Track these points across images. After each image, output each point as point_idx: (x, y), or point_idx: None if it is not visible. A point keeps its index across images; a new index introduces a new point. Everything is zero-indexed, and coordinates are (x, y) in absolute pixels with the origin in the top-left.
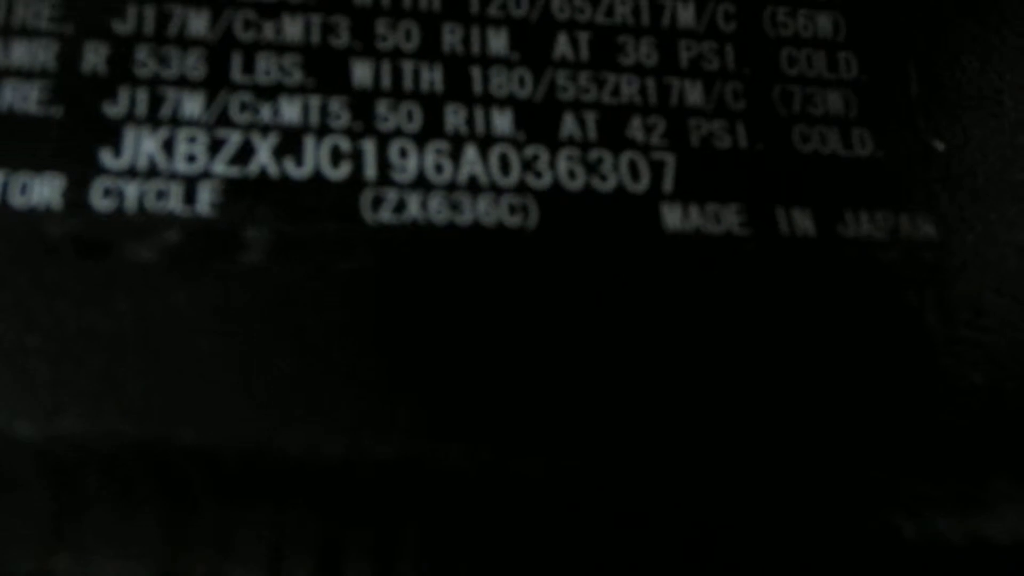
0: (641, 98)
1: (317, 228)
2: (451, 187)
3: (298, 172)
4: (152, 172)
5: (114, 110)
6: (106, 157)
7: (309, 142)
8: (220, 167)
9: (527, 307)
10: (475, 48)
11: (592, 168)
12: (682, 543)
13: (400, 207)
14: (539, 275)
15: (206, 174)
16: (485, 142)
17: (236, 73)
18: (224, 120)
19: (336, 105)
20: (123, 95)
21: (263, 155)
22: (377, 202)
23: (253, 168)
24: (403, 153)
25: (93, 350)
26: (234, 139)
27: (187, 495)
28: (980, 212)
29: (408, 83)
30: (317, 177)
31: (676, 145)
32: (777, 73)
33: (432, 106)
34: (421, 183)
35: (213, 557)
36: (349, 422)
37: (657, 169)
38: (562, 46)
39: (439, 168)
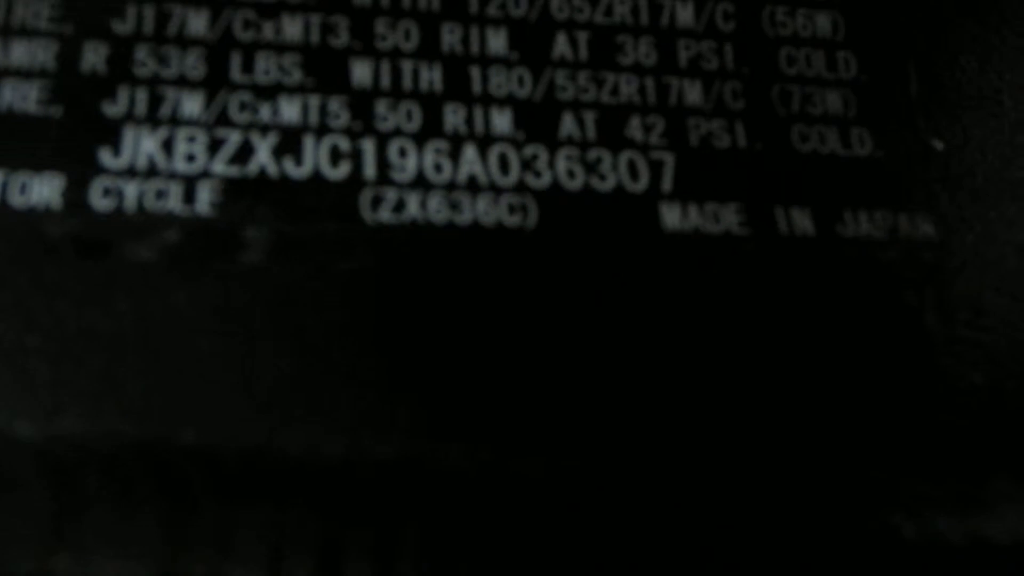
0: (640, 98)
1: (316, 228)
2: (450, 187)
3: (297, 172)
4: (152, 172)
5: (113, 110)
6: (105, 157)
7: (308, 142)
8: (219, 167)
9: (527, 307)
10: (474, 48)
11: (591, 168)
12: (682, 543)
13: (399, 207)
14: (538, 275)
15: (205, 174)
16: (484, 142)
17: (235, 73)
18: (223, 120)
19: (335, 105)
20: (122, 95)
21: (262, 155)
22: (376, 202)
23: (252, 168)
24: (402, 153)
25: (93, 350)
26: (233, 139)
27: (187, 495)
28: (979, 212)
29: (407, 83)
30: (316, 177)
31: (675, 145)
32: (776, 73)
33: (431, 106)
34: (420, 183)
35: (213, 557)
36: (349, 422)
37: (656, 169)
38: (561, 46)
39: (438, 168)
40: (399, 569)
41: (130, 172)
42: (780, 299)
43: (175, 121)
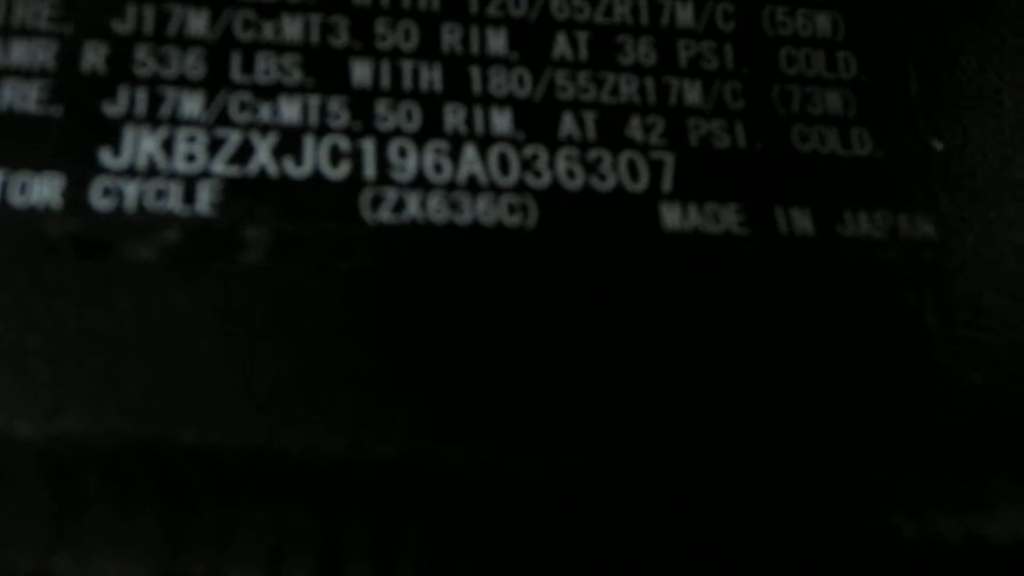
0: (640, 98)
1: (316, 228)
2: (450, 187)
3: (297, 172)
4: (151, 171)
5: (113, 110)
6: (105, 156)
7: (308, 142)
8: (219, 167)
9: (526, 307)
10: (474, 48)
11: (591, 168)
12: (682, 543)
13: (399, 207)
14: (538, 275)
15: (205, 173)
16: (484, 142)
17: (235, 73)
18: (223, 120)
19: (335, 105)
20: (122, 95)
21: (262, 155)
22: (376, 202)
23: (252, 168)
24: (402, 153)
25: (93, 350)
26: (233, 139)
27: (187, 495)
28: (979, 212)
29: (407, 83)
30: (316, 177)
31: (675, 145)
32: (776, 73)
33: (431, 106)
34: (420, 183)
35: (213, 557)
36: (349, 422)
37: (656, 169)
38: (561, 46)
39: (438, 168)
40: (399, 569)
41: (130, 172)
42: (780, 299)
43: (175, 121)
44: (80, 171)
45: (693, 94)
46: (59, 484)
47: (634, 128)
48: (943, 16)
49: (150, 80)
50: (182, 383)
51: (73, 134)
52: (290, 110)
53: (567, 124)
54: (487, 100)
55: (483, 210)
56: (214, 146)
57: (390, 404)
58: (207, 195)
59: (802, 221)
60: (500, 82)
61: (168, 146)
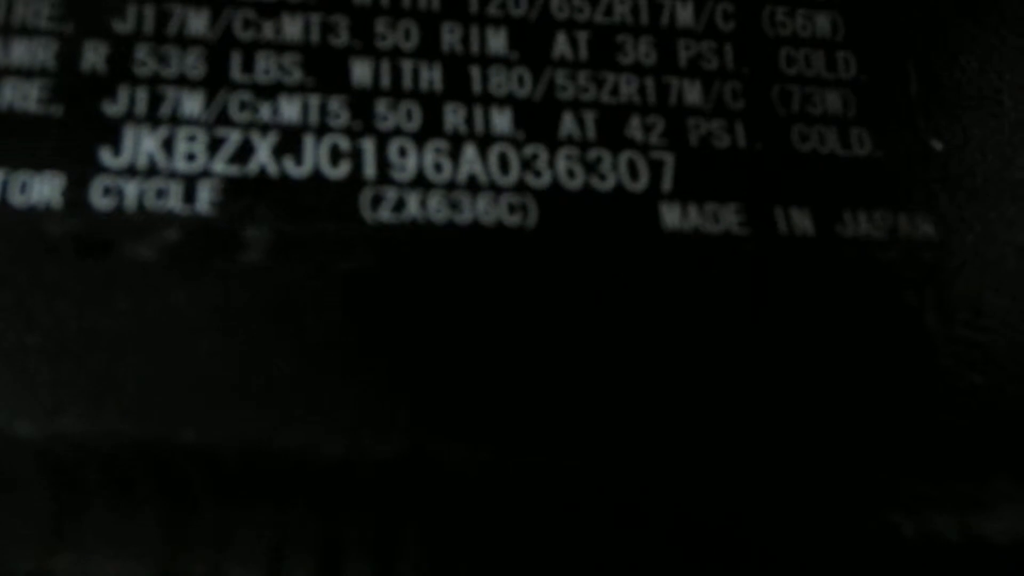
0: (640, 97)
1: (316, 227)
2: (450, 186)
3: (297, 171)
4: (152, 171)
5: (114, 109)
6: (106, 156)
7: (308, 141)
8: (220, 166)
9: (526, 306)
10: (474, 47)
11: (591, 167)
12: (682, 543)
13: (399, 206)
14: (538, 274)
15: (206, 173)
16: (484, 141)
17: (235, 72)
18: (223, 119)
19: (335, 104)
20: (123, 94)
21: (262, 154)
22: (376, 201)
23: (252, 167)
24: (402, 152)
25: (93, 349)
26: (233, 138)
27: (187, 495)
28: (979, 212)
29: (407, 82)
30: (316, 176)
31: (675, 144)
32: (776, 73)
33: (431, 105)
34: (420, 182)
35: (213, 557)
36: (349, 422)
37: (656, 168)
38: (561, 45)
39: (438, 167)
40: (399, 569)
41: (130, 171)
42: (780, 299)
43: (175, 120)
44: (80, 170)
45: (693, 94)
46: (59, 484)
47: (634, 128)
48: (943, 16)
49: (150, 79)
50: (182, 383)
51: (73, 133)
52: (290, 110)
53: (567, 124)
54: (487, 100)
55: (483, 210)
56: (214, 145)
57: (390, 404)
58: (207, 194)
59: (802, 221)
60: (500, 82)
61: (168, 145)
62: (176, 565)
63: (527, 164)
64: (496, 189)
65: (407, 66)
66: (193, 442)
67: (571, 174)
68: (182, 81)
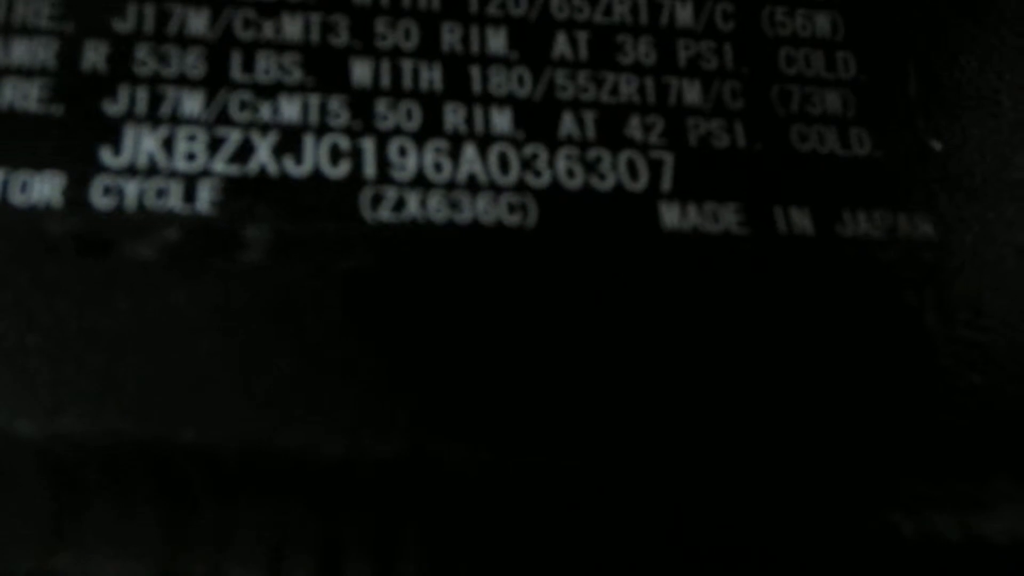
0: (639, 97)
1: (316, 227)
2: (450, 186)
3: (297, 171)
4: (152, 170)
5: (114, 108)
6: (106, 155)
7: (308, 141)
8: (220, 165)
9: (526, 306)
10: (474, 47)
11: (591, 167)
12: (682, 543)
13: (399, 206)
14: (538, 274)
15: (206, 172)
16: (484, 141)
17: (236, 72)
18: (224, 119)
19: (335, 104)
20: (123, 93)
21: (263, 153)
22: (376, 200)
23: (253, 166)
24: (402, 152)
25: (93, 348)
26: (234, 137)
27: (187, 495)
28: (978, 212)
29: (407, 82)
30: (316, 176)
31: (674, 144)
32: (775, 73)
33: (431, 105)
34: (420, 182)
35: (213, 556)
36: (349, 422)
37: (655, 168)
38: (561, 45)
39: (438, 167)
40: (399, 569)
41: (130, 171)
42: (779, 299)
43: (175, 120)
44: (81, 170)
45: (692, 94)
46: (59, 483)
47: (633, 128)
48: (942, 16)
49: (150, 79)
50: (182, 382)
51: (74, 133)
52: (290, 109)
53: (567, 123)
54: (487, 99)
55: (483, 209)
56: (214, 145)
57: (390, 404)
58: (207, 194)
59: (801, 221)
60: (500, 81)
61: (168, 145)
62: (176, 565)
63: (527, 164)
64: (496, 189)
65: (407, 66)
66: (193, 442)
67: (571, 174)
68: (182, 81)
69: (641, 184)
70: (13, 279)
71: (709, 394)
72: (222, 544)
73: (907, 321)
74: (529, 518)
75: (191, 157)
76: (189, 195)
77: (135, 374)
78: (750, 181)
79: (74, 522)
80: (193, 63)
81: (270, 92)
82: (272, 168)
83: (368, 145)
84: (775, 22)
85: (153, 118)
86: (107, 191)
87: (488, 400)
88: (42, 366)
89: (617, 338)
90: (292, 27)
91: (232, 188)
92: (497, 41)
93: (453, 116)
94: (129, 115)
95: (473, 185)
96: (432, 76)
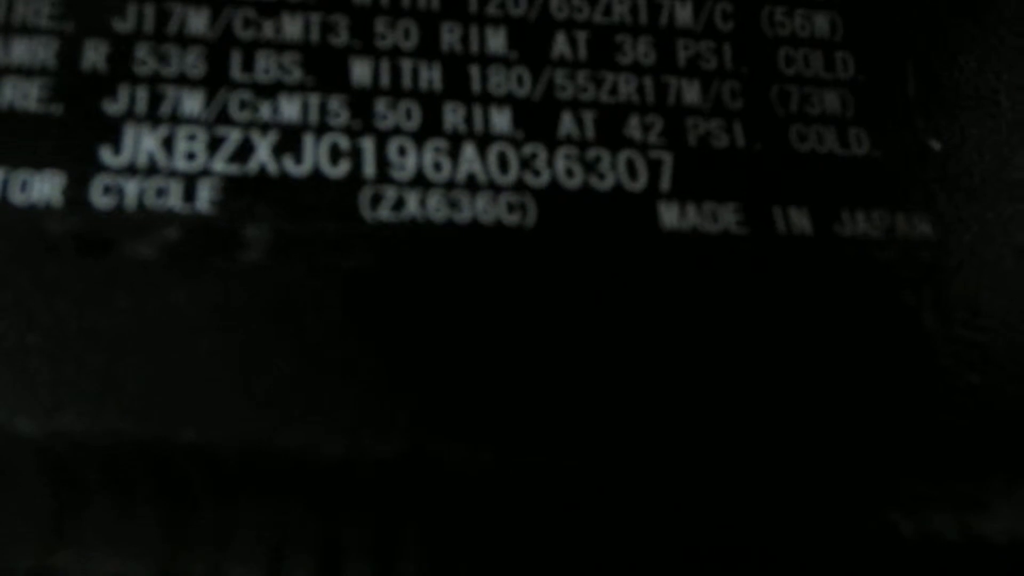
0: (639, 97)
1: (316, 226)
2: (450, 185)
3: (297, 170)
4: (152, 170)
5: (114, 108)
6: (106, 155)
7: (308, 140)
8: (220, 165)
9: (526, 305)
10: (474, 47)
11: (590, 167)
12: (682, 543)
13: (399, 205)
14: (537, 273)
15: (206, 172)
16: (484, 140)
17: (236, 71)
18: (224, 118)
19: (335, 103)
20: (123, 93)
21: (262, 153)
22: (376, 200)
23: (252, 166)
24: (402, 151)
25: (93, 348)
26: (233, 137)
27: (187, 494)
28: (977, 212)
29: (407, 82)
30: (316, 175)
31: (673, 144)
32: (774, 73)
33: (431, 104)
34: (420, 181)
35: (213, 556)
36: (349, 422)
37: (655, 168)
38: (560, 45)
39: (438, 166)
40: (399, 569)
41: (130, 170)
42: (778, 298)
43: (175, 119)
44: (80, 169)
45: (692, 94)
46: (59, 482)
47: (633, 127)
48: (941, 16)
49: (150, 78)
50: (182, 382)
51: (73, 132)
52: (290, 109)
53: (566, 123)
54: (486, 99)
55: (482, 209)
56: (214, 144)
57: (390, 404)
58: (207, 193)
59: (800, 220)
60: (499, 81)
61: (168, 144)
62: (176, 565)
63: (526, 163)
64: (495, 188)
65: (407, 65)
66: (193, 441)
67: (570, 173)
68: (182, 80)
69: (640, 184)
70: (13, 279)
71: (709, 394)
72: (222, 544)
73: (905, 321)
74: (529, 518)
75: (191, 156)
76: (189, 194)
77: (135, 373)
78: (749, 181)
79: (74, 521)
80: (193, 63)
81: (270, 92)
82: (272, 167)
83: (368, 145)
84: (774, 22)
85: (153, 117)
86: (107, 190)
87: (488, 400)
88: (42, 365)
89: (616, 338)
90: (292, 27)
91: (232, 187)
92: (496, 41)
93: (452, 116)
94: (129, 114)
95: (472, 185)
96: (431, 76)
